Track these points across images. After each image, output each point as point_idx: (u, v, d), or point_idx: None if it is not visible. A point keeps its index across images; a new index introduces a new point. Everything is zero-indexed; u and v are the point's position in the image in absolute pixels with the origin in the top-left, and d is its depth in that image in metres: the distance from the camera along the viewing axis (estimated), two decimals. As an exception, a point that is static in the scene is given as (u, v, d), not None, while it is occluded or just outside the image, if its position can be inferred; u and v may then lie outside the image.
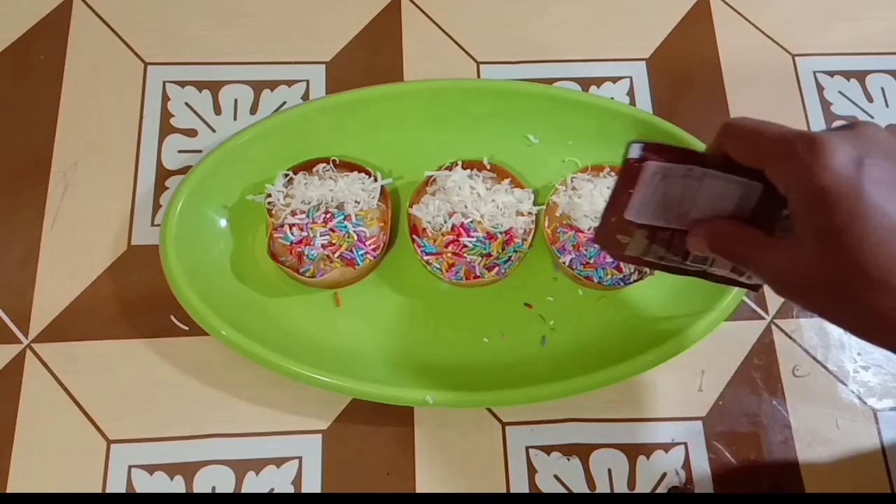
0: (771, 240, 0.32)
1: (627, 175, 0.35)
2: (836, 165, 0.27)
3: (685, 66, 0.61)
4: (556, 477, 0.49)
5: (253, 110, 0.57)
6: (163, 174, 0.54)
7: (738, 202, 0.34)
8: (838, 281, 0.29)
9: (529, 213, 0.52)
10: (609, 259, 0.51)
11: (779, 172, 0.30)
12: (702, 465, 0.50)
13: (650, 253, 0.38)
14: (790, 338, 0.53)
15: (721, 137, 0.33)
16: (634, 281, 0.50)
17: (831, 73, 0.62)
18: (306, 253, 0.50)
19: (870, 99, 0.61)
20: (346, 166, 0.53)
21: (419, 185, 0.53)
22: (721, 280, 0.38)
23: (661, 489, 0.49)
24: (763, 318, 0.54)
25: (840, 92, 0.61)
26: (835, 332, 0.54)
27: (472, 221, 0.51)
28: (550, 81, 0.59)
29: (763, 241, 0.32)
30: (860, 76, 0.62)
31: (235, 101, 0.57)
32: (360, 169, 0.53)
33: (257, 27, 0.60)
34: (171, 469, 0.48)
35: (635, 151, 0.35)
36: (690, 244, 0.36)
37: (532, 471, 0.49)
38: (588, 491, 0.49)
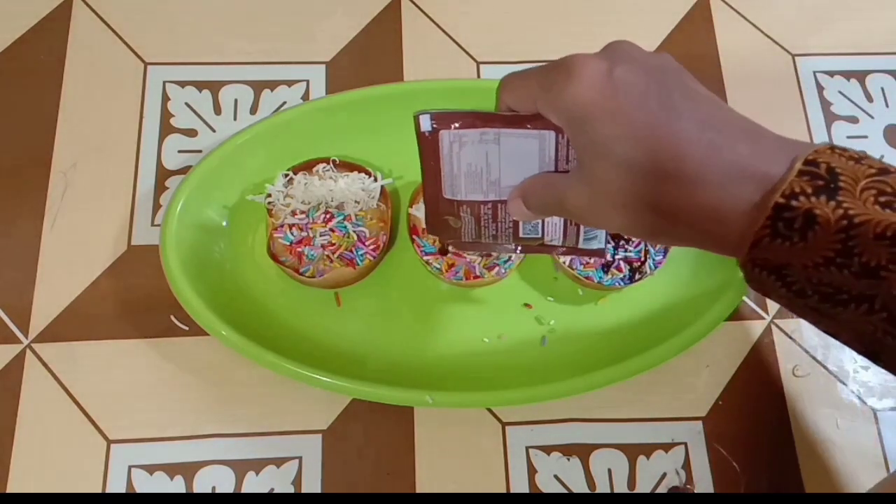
0: (567, 176, 0.32)
1: (426, 150, 0.34)
2: (587, 78, 0.28)
3: (685, 65, 0.61)
4: (556, 477, 0.49)
5: (253, 110, 0.57)
6: (163, 174, 0.54)
7: (539, 156, 0.34)
8: (614, 189, 0.29)
9: (529, 213, 0.52)
10: (605, 259, 0.51)
11: (546, 104, 0.31)
12: (702, 465, 0.50)
13: (483, 234, 0.37)
14: (790, 338, 0.53)
15: (500, 93, 0.33)
16: (634, 281, 0.50)
17: (831, 73, 0.62)
18: (306, 253, 0.50)
19: (870, 99, 0.61)
20: (346, 166, 0.53)
21: (419, 185, 0.53)
22: (565, 252, 0.38)
23: (661, 489, 0.49)
24: (763, 318, 0.54)
25: (840, 92, 0.61)
26: (835, 332, 0.54)
27: (472, 221, 0.51)
28: (550, 81, 0.59)
29: (563, 180, 0.32)
30: (860, 76, 0.62)
31: (235, 101, 0.57)
32: (360, 169, 0.53)
33: (257, 27, 0.60)
34: (171, 469, 0.48)
35: (425, 124, 0.34)
36: (510, 210, 0.36)
37: (532, 471, 0.49)
38: (588, 491, 0.49)
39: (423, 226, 0.51)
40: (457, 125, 0.34)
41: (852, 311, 0.27)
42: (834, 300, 0.27)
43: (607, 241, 0.37)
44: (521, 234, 0.37)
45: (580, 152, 0.30)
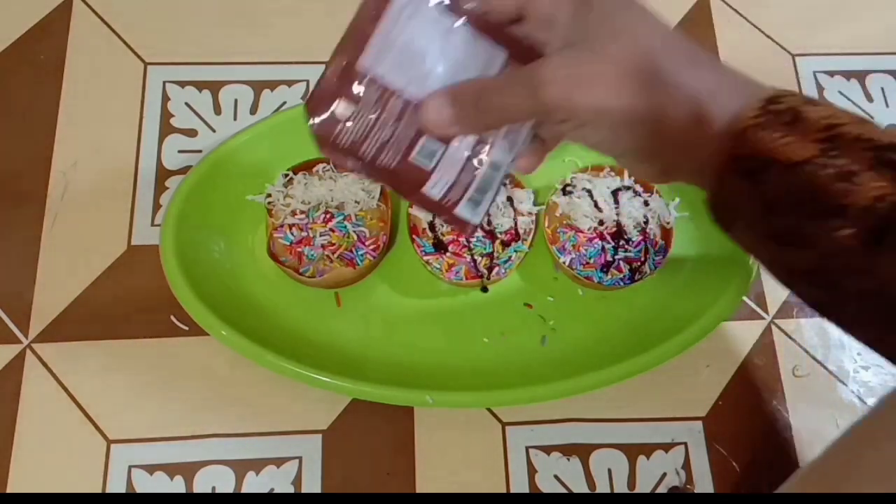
0: (545, 59, 0.29)
1: (371, 5, 0.31)
2: None
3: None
4: (556, 477, 0.49)
5: (253, 110, 0.57)
6: (163, 174, 0.54)
7: (479, 73, 0.31)
8: (623, 61, 0.29)
9: (529, 213, 0.52)
10: (605, 260, 0.51)
11: None
12: (702, 465, 0.50)
13: (371, 138, 0.32)
14: (790, 338, 0.53)
15: None
16: (634, 281, 0.50)
17: (831, 73, 0.62)
18: (306, 253, 0.50)
19: (870, 99, 0.61)
20: (346, 166, 0.53)
21: (419, 185, 0.53)
22: (430, 207, 0.34)
23: (661, 489, 0.49)
24: (763, 318, 0.54)
25: (840, 92, 0.61)
26: (835, 332, 0.54)
27: (472, 221, 0.51)
28: (550, 81, 0.59)
29: (538, 65, 0.29)
30: (860, 76, 0.62)
31: (235, 101, 0.57)
32: (360, 169, 0.52)
33: (257, 27, 0.60)
34: (171, 469, 0.48)
35: None
36: (427, 112, 0.31)
37: (532, 471, 0.49)
38: (588, 491, 0.49)
39: (423, 226, 0.51)
40: None
41: (822, 229, 0.27)
42: (808, 212, 0.27)
43: (501, 216, 0.34)
44: (412, 156, 0.32)
45: (586, 29, 0.29)
